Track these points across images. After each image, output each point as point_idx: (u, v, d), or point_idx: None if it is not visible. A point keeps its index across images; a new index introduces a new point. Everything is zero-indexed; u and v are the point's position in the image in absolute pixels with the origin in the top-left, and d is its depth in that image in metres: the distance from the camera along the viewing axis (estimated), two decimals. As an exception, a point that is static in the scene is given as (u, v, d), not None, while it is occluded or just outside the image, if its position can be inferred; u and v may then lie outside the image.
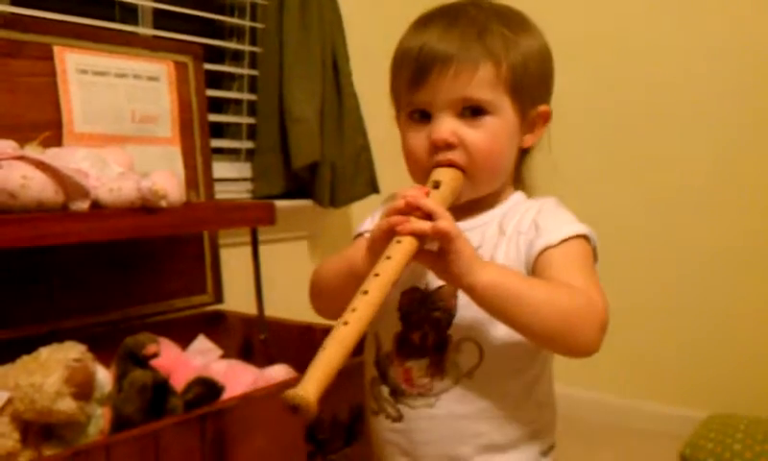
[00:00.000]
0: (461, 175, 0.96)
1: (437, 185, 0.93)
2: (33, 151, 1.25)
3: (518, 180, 1.07)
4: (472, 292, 0.88)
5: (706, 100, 2.62)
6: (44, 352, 1.16)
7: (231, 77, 2.21)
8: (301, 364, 1.45)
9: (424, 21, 1.00)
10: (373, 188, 2.30)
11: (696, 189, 2.65)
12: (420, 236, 0.85)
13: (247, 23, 2.18)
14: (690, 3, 2.65)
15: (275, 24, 2.11)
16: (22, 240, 1.16)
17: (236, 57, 2.21)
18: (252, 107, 2.19)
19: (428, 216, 0.86)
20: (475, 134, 0.95)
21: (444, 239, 0.85)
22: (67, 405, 1.12)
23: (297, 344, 1.64)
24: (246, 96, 2.19)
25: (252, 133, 2.19)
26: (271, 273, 1.72)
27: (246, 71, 2.19)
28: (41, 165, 1.22)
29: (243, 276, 1.68)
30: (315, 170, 2.17)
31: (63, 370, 1.13)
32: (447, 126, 0.95)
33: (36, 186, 1.21)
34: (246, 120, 2.20)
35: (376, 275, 0.82)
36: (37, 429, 1.16)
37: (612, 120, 2.83)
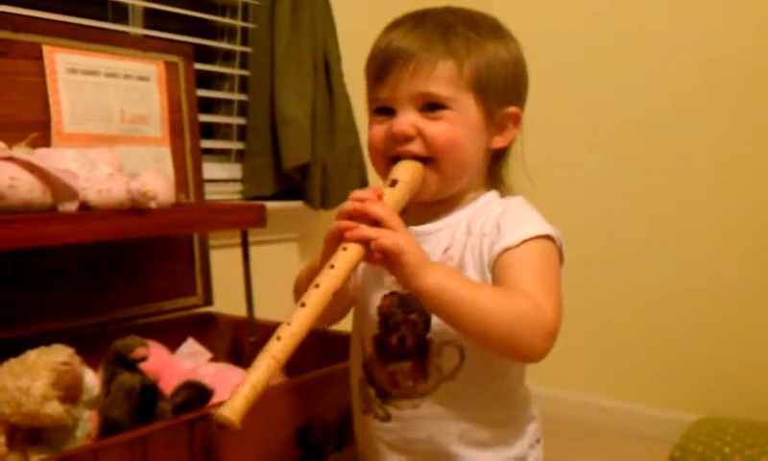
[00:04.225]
0: (420, 170, 0.97)
1: (393, 183, 0.94)
2: (21, 152, 1.24)
3: (497, 181, 1.09)
4: (419, 295, 0.90)
5: (704, 106, 2.63)
6: (31, 355, 1.14)
7: (222, 77, 2.20)
8: (290, 367, 1.45)
9: (396, 22, 1.02)
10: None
11: (691, 196, 2.66)
12: (367, 242, 0.87)
13: (238, 23, 2.17)
14: (688, 8, 2.66)
15: (266, 24, 2.10)
16: (11, 241, 1.15)
17: (227, 57, 2.20)
18: (243, 107, 2.18)
19: (377, 222, 0.87)
20: (434, 126, 0.97)
21: (387, 254, 0.87)
22: (54, 409, 1.11)
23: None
24: (236, 96, 2.18)
25: (242, 133, 2.18)
26: (261, 275, 1.71)
27: (237, 71, 2.18)
28: (29, 166, 1.21)
29: (233, 277, 1.67)
30: (306, 171, 2.16)
31: (50, 373, 1.12)
32: (407, 118, 0.97)
33: (24, 187, 1.20)
34: (236, 121, 2.18)
35: (316, 285, 0.84)
36: (24, 433, 1.14)
37: (608, 124, 2.84)
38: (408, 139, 0.97)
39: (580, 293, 2.73)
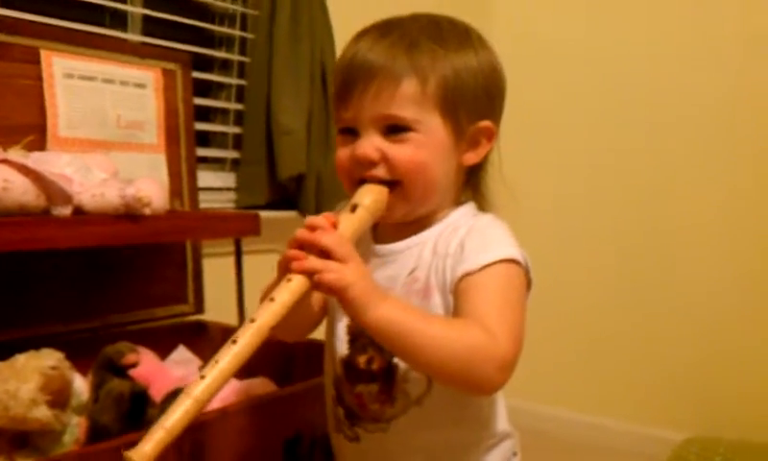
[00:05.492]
0: (385, 194, 0.93)
1: (354, 208, 0.90)
2: (16, 155, 1.24)
3: (476, 193, 1.05)
4: (366, 330, 0.86)
5: (685, 118, 2.64)
6: (20, 359, 1.14)
7: (219, 86, 2.20)
8: (281, 376, 1.44)
9: (363, 31, 0.99)
10: (359, 201, 2.29)
11: (679, 209, 2.67)
12: (312, 275, 0.83)
13: (236, 33, 2.17)
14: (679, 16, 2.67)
15: (265, 35, 2.10)
16: (3, 244, 1.15)
17: (225, 66, 2.20)
18: (240, 116, 2.18)
19: (326, 253, 0.83)
20: (398, 150, 0.93)
21: (330, 292, 0.83)
22: (42, 413, 1.10)
23: (277, 355, 1.62)
24: (233, 106, 2.18)
25: (238, 142, 2.18)
26: (253, 284, 1.70)
27: (234, 81, 2.18)
28: (24, 169, 1.21)
29: (225, 286, 1.66)
30: (301, 181, 2.17)
31: (39, 377, 1.11)
32: (371, 142, 0.93)
33: (18, 190, 1.20)
34: (232, 130, 2.19)
35: (252, 320, 0.80)
36: (11, 437, 1.14)
37: (593, 132, 2.85)
38: (372, 164, 0.93)
39: (566, 308, 2.75)
